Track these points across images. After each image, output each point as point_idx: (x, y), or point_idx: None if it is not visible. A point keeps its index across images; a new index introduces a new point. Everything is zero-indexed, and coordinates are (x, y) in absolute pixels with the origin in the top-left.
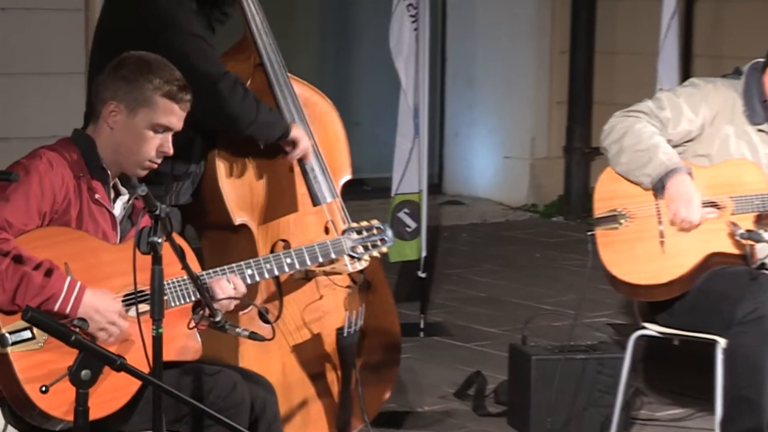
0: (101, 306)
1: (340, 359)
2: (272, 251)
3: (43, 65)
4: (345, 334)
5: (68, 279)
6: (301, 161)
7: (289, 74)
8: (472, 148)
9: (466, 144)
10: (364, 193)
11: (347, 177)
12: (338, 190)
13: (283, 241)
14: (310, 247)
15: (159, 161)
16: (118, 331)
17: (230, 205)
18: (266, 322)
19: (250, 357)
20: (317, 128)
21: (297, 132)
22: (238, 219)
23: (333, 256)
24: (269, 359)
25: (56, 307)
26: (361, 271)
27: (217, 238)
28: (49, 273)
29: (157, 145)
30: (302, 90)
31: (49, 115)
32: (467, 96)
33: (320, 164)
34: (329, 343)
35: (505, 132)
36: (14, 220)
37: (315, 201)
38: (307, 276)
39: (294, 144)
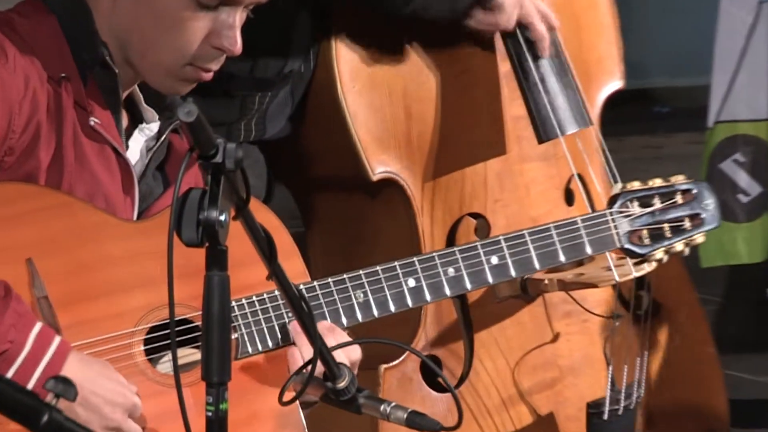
0: (98, 388)
1: None
2: (452, 235)
3: None
4: (606, 416)
5: (38, 325)
6: (518, 57)
7: None
8: None
9: None
10: (657, 119)
11: (614, 85)
12: (595, 113)
13: (475, 216)
14: (541, 232)
15: (214, 66)
16: None
17: (363, 142)
18: (435, 387)
19: None
20: None
21: None
22: (379, 169)
23: (589, 251)
24: None
25: (10, 374)
26: (640, 283)
27: (340, 209)
28: (4, 306)
29: (205, 33)
30: None
31: None
32: None
33: (558, 63)
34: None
35: None
36: None
37: (543, 133)
38: (525, 292)
39: (500, 9)
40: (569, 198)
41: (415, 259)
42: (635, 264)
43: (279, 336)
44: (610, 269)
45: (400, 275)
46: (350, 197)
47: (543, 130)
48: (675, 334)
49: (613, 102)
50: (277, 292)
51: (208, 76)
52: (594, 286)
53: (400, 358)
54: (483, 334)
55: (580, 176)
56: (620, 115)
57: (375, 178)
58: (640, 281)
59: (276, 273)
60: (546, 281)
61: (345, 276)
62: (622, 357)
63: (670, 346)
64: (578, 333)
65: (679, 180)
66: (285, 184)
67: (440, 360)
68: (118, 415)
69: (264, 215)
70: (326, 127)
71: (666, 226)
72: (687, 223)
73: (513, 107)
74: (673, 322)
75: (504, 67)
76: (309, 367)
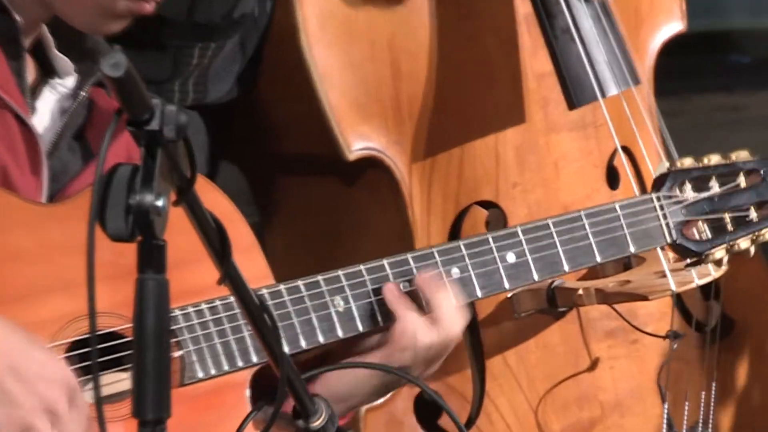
0: (28, 360)
1: None
2: (455, 231)
3: None
4: None
5: None
6: None
7: None
8: None
9: None
10: (735, 72)
11: (672, 27)
12: (646, 66)
13: (487, 205)
14: (569, 221)
15: None
16: None
17: (335, 109)
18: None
19: None
20: None
21: None
22: (358, 144)
23: (632, 249)
24: None
25: None
26: (707, 292)
27: (308, 197)
28: None
29: None
30: None
31: None
32: None
33: (596, 1)
34: None
35: None
36: None
37: (576, 96)
38: (553, 305)
39: None
40: (613, 179)
41: (408, 256)
42: (691, 265)
43: (237, 355)
44: (665, 275)
45: (390, 277)
46: (321, 182)
47: (576, 92)
48: (754, 359)
49: (673, 49)
50: (227, 298)
51: (150, 7)
52: (644, 298)
53: (386, 396)
54: (497, 361)
55: (626, 150)
56: (685, 68)
57: (352, 156)
58: (706, 289)
59: (230, 275)
60: (581, 291)
61: (320, 278)
62: (682, 390)
63: (746, 374)
64: (625, 358)
65: (741, 157)
66: (235, 161)
67: (440, 397)
68: (56, 392)
69: (214, 199)
70: (287, 90)
71: (727, 216)
72: (753, 214)
73: (535, 61)
74: (750, 342)
75: (523, 8)
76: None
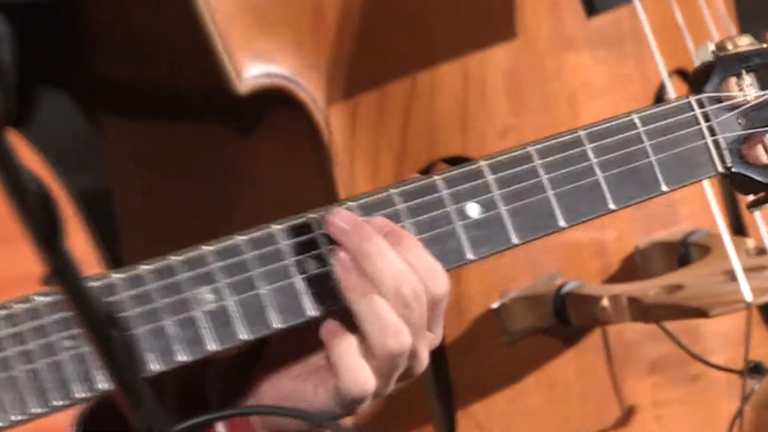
0: None
1: None
2: None
3: None
4: None
5: None
6: None
7: None
8: None
9: None
10: None
11: None
12: None
13: (459, 162)
14: (565, 146)
15: None
16: None
17: (219, 19)
18: None
19: None
20: None
21: None
22: (254, 69)
23: (663, 186)
24: None
25: None
26: None
27: (180, 151)
28: None
29: None
30: None
31: None
32: None
33: None
34: None
35: None
36: None
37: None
38: (563, 322)
39: None
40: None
41: (311, 216)
42: (755, 205)
43: (51, 389)
44: (735, 278)
45: (288, 253)
46: (201, 128)
47: None
48: None
49: None
50: (44, 300)
51: None
52: (701, 313)
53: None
54: (475, 411)
55: (683, 75)
56: None
57: (245, 87)
58: None
59: (61, 270)
60: (605, 302)
61: (174, 258)
62: None
63: None
64: (680, 404)
65: None
66: (63, 93)
67: None
68: None
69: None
70: None
71: None
72: None
73: None
74: None
75: None
76: None
